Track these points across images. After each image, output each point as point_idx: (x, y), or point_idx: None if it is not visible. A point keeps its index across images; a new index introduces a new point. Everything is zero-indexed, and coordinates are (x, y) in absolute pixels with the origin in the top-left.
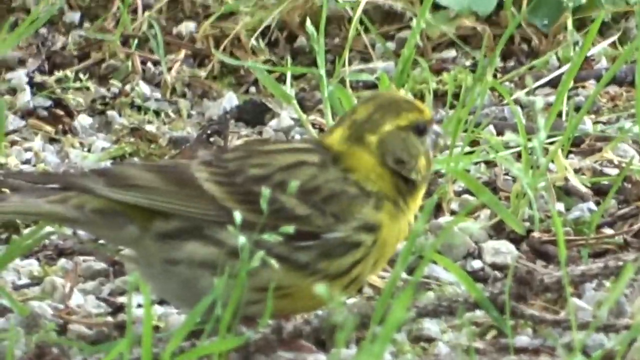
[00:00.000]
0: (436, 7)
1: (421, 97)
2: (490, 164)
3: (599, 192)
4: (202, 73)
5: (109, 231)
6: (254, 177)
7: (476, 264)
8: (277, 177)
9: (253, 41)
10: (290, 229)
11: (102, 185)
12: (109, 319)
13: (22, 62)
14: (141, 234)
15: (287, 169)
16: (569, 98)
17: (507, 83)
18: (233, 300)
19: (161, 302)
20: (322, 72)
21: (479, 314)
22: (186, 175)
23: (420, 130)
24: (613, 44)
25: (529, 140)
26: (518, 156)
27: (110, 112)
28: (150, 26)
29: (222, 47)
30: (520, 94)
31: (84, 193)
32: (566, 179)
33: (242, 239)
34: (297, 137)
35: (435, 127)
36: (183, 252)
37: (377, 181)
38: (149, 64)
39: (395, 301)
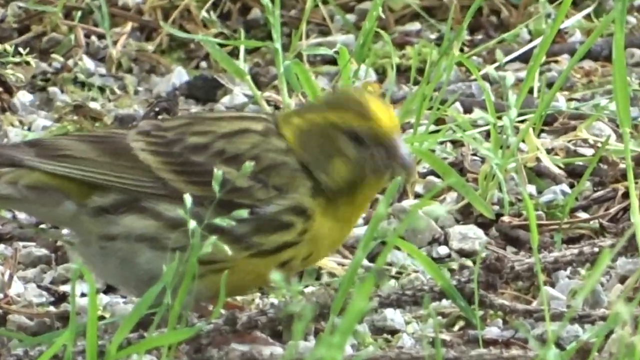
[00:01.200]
0: None
1: (383, 72)
2: (457, 143)
3: (573, 173)
4: (150, 47)
5: (45, 208)
6: (192, 146)
7: (442, 250)
8: (216, 145)
9: (204, 13)
10: (244, 212)
11: (32, 156)
12: (51, 308)
13: None
14: (77, 210)
15: (229, 136)
16: (540, 73)
17: (475, 58)
18: (183, 287)
19: (107, 291)
20: (278, 45)
21: (445, 303)
22: (121, 145)
23: (356, 138)
24: (588, 16)
25: (499, 118)
26: (487, 135)
27: (51, 89)
28: None
29: (171, 19)
30: (489, 69)
31: (13, 165)
32: (538, 160)
33: (193, 224)
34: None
35: (403, 157)
36: (120, 227)
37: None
38: (93, 38)
39: (356, 290)
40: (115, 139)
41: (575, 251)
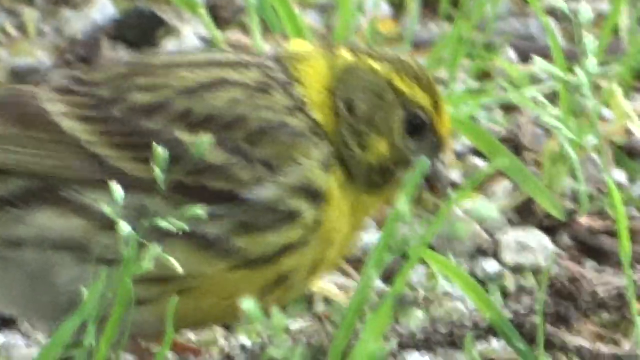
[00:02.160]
0: None
1: (400, 3)
2: (509, 108)
3: None
4: None
5: None
6: (140, 107)
7: (491, 266)
8: (177, 104)
9: None
10: (198, 210)
11: None
12: None
13: None
14: None
15: (194, 91)
16: (630, 5)
17: None
18: (113, 319)
19: (1, 326)
20: None
21: (496, 345)
22: (32, 109)
23: (417, 122)
24: None
25: (570, 71)
26: (553, 96)
27: None
28: None
29: None
30: None
31: None
32: (629, 133)
33: (125, 228)
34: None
35: (442, 162)
36: (28, 227)
37: (326, 112)
38: None
39: (366, 325)
40: (22, 99)
41: None
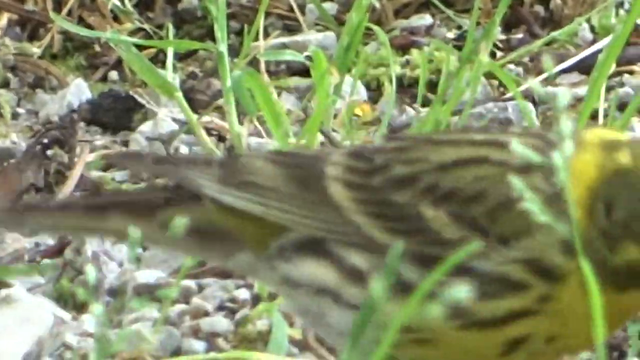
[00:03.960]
0: None
1: (378, 87)
2: None
3: None
4: (35, 49)
5: (212, 259)
6: (395, 179)
7: None
8: (426, 178)
9: (115, 0)
10: (464, 291)
11: (214, 182)
12: None
13: None
14: (256, 260)
15: (448, 166)
16: (608, 90)
17: (512, 66)
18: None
19: None
20: (223, 48)
21: None
22: (314, 171)
23: None
24: None
25: None
26: None
27: None
28: None
29: (66, 9)
30: (533, 84)
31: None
32: None
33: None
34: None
35: None
36: (302, 273)
37: (580, 209)
38: None
39: None
40: (311, 160)
41: None
